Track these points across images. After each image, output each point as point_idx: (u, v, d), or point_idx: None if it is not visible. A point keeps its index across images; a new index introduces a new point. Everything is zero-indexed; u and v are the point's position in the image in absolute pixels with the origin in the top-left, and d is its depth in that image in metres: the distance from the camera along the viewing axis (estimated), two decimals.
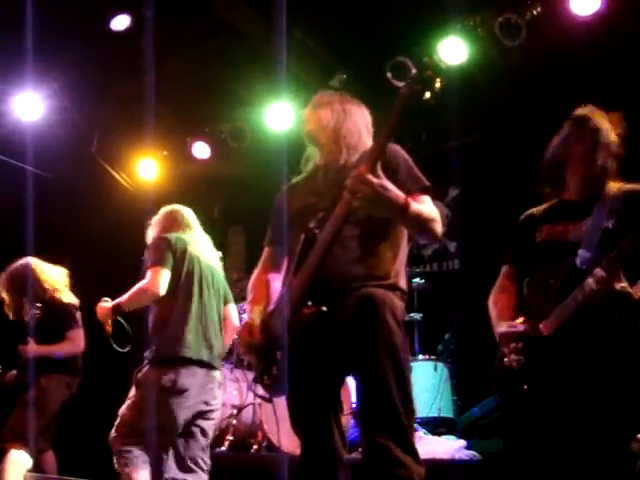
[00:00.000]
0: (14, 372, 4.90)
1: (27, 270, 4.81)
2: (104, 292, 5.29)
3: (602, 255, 2.51)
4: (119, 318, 3.99)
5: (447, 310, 5.39)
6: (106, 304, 3.85)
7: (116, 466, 3.46)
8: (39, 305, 4.68)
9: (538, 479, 2.65)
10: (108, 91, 6.64)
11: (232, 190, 7.66)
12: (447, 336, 5.41)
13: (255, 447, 4.85)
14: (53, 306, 4.78)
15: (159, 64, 5.86)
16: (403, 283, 2.59)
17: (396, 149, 2.62)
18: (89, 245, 7.12)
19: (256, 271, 2.88)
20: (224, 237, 8.30)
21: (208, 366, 3.66)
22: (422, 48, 5.37)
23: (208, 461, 3.74)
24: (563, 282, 2.61)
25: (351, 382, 4.24)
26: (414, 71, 2.33)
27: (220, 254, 4.34)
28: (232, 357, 5.67)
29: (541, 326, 2.63)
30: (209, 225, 8.37)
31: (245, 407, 5.13)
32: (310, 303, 2.38)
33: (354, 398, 4.39)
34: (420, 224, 2.46)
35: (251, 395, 5.11)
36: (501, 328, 2.77)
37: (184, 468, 3.61)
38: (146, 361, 3.68)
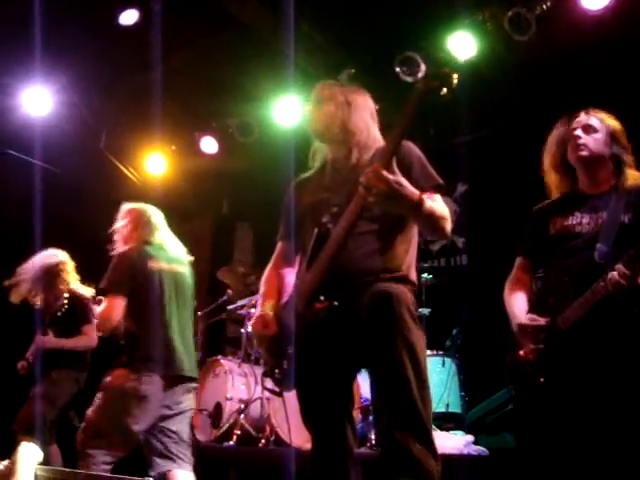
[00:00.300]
0: (24, 362, 4.94)
1: (59, 262, 4.90)
2: None
3: (620, 250, 2.50)
4: None
5: (455, 305, 5.39)
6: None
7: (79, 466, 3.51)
8: (67, 297, 4.73)
9: (550, 472, 2.64)
10: (116, 86, 6.64)
11: (240, 185, 7.66)
12: (455, 331, 5.40)
13: (263, 441, 4.86)
14: (75, 299, 4.85)
15: (167, 59, 5.86)
16: (414, 276, 2.60)
17: (410, 146, 2.60)
18: (97, 240, 7.12)
19: (269, 265, 2.88)
20: (232, 232, 8.32)
21: (172, 374, 3.71)
22: (431, 43, 5.36)
23: (188, 454, 3.78)
24: (579, 276, 2.60)
25: (359, 376, 4.24)
26: (431, 67, 2.32)
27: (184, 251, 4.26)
28: (240, 352, 5.69)
29: (559, 320, 2.62)
30: (217, 220, 8.48)
31: (253, 401, 5.14)
32: (322, 298, 2.38)
33: (363, 392, 4.39)
34: (432, 222, 2.46)
35: (259, 389, 5.13)
36: (521, 320, 2.77)
37: (164, 457, 3.67)
38: (114, 366, 3.76)
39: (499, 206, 6.06)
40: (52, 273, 4.84)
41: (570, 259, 2.70)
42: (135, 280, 3.75)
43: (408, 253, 2.59)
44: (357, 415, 4.70)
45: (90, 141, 7.08)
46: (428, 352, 5.18)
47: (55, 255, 4.98)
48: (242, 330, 5.71)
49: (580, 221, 2.77)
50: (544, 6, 5.00)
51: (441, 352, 5.22)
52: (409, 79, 5.49)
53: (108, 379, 3.68)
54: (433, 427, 4.56)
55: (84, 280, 5.37)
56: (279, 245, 2.88)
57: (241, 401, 5.20)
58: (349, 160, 2.68)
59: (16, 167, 6.47)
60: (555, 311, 2.64)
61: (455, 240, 6.57)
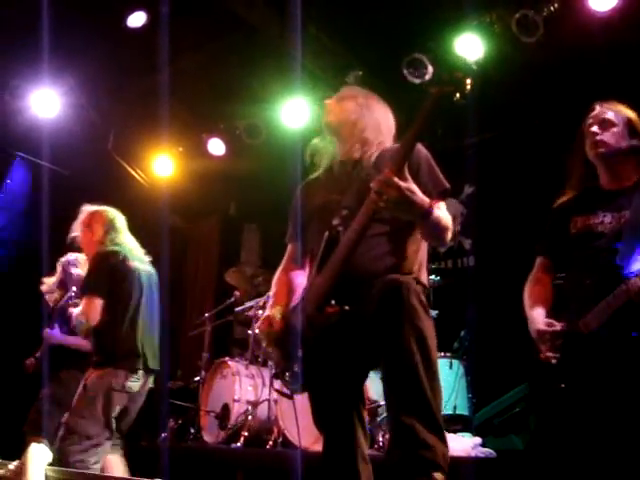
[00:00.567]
0: (32, 359, 4.96)
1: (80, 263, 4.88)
2: None
3: None
4: None
5: (462, 307, 5.38)
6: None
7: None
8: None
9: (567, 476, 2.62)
10: (124, 88, 6.66)
11: (247, 187, 7.67)
12: (462, 333, 5.39)
13: (270, 443, 4.86)
14: None
15: (175, 61, 5.88)
16: (424, 277, 2.59)
17: (419, 148, 2.60)
18: None
19: (279, 268, 2.88)
20: (239, 234, 8.33)
21: (149, 371, 3.91)
22: (438, 45, 5.36)
23: None
24: (601, 279, 2.55)
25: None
26: (444, 72, 2.32)
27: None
28: (247, 353, 5.69)
29: (580, 324, 2.57)
30: (224, 221, 8.49)
31: (260, 403, 5.14)
32: (334, 302, 2.38)
33: (370, 394, 4.39)
34: (436, 230, 2.47)
35: (266, 391, 5.13)
36: (539, 325, 2.72)
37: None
38: (94, 365, 3.85)
39: (506, 208, 6.05)
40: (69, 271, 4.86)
41: (592, 260, 2.64)
42: (115, 280, 3.85)
43: (418, 254, 2.59)
44: (365, 417, 4.70)
45: (98, 143, 7.11)
46: None
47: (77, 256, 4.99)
48: (249, 331, 5.72)
49: (602, 220, 2.70)
50: (552, 8, 5.00)
51: (449, 354, 5.21)
52: (416, 81, 5.49)
53: (93, 378, 3.76)
54: None
55: None
56: (289, 247, 2.89)
57: (248, 402, 5.20)
58: (357, 160, 2.68)
59: (24, 168, 6.52)
60: (576, 314, 2.60)
61: (462, 242, 6.57)
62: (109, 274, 3.87)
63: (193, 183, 7.67)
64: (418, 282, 2.53)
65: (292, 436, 4.65)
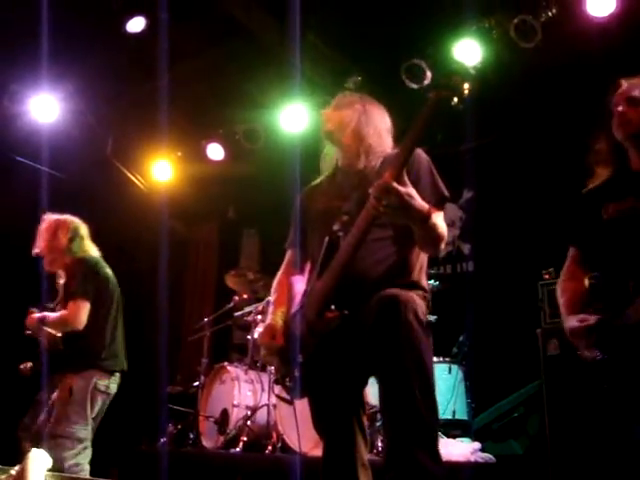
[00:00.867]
0: (29, 363, 4.95)
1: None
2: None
3: None
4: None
5: (461, 312, 5.38)
6: (34, 315, 4.07)
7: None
8: None
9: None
10: (123, 93, 6.67)
11: (246, 191, 7.67)
12: (461, 338, 5.40)
13: (269, 448, 4.86)
14: None
15: (174, 66, 5.89)
16: (425, 281, 2.60)
17: (419, 154, 2.61)
18: (104, 246, 7.15)
19: (279, 273, 2.88)
20: (239, 238, 8.33)
21: (124, 370, 4.13)
22: (437, 50, 5.37)
23: None
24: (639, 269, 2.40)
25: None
26: (442, 77, 2.33)
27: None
28: (246, 358, 5.69)
29: (625, 315, 2.41)
30: (224, 226, 8.50)
31: (260, 408, 5.14)
32: (333, 307, 2.38)
33: (369, 399, 4.39)
34: (432, 237, 2.47)
35: (265, 396, 5.13)
36: (571, 323, 2.56)
37: None
38: (75, 368, 3.92)
39: (505, 212, 6.06)
40: None
41: (629, 250, 2.49)
42: (98, 285, 4.03)
43: (419, 258, 2.60)
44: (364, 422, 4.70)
45: (97, 148, 7.11)
46: (434, 359, 5.18)
47: None
48: (248, 337, 5.72)
49: (636, 205, 2.53)
50: (550, 13, 5.01)
51: (447, 359, 5.22)
52: (415, 86, 5.50)
53: (78, 382, 3.85)
54: (439, 434, 4.58)
55: None
56: (289, 252, 2.89)
57: (248, 408, 5.21)
58: (358, 166, 2.69)
59: (23, 173, 6.52)
60: (617, 308, 2.45)
61: (461, 246, 6.57)
62: (93, 279, 4.01)
63: (192, 188, 7.67)
64: (418, 286, 2.54)
65: (291, 441, 4.65)
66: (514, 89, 5.71)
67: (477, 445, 4.43)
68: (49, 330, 3.98)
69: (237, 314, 6.12)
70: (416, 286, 2.53)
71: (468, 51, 5.22)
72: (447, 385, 5.00)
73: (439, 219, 2.48)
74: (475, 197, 6.52)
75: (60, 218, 4.27)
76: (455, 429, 4.97)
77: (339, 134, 2.74)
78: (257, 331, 5.38)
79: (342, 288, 2.41)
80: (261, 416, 5.13)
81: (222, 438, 5.19)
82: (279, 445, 4.83)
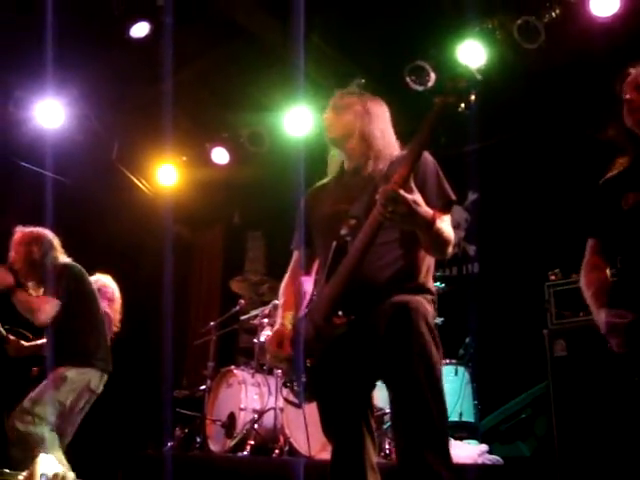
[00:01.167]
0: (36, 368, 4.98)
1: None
2: (122, 298, 5.35)
3: None
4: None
5: (467, 314, 5.37)
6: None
7: None
8: None
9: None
10: (128, 98, 6.68)
11: (251, 195, 7.68)
12: (468, 340, 5.39)
13: (277, 451, 4.86)
14: None
15: (178, 70, 5.90)
16: (432, 284, 2.59)
17: (426, 157, 2.58)
18: (110, 251, 7.17)
19: (286, 275, 2.88)
20: (244, 242, 8.33)
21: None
22: (440, 52, 5.37)
23: None
24: None
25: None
26: (448, 82, 2.31)
27: None
28: (253, 362, 5.69)
29: None
30: (229, 230, 8.51)
31: (266, 412, 5.14)
32: (341, 313, 2.38)
33: (377, 402, 4.38)
34: (438, 242, 2.46)
35: (272, 399, 5.13)
36: (609, 318, 2.48)
37: None
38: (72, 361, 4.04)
39: (510, 214, 6.05)
40: None
41: None
42: (81, 289, 4.18)
43: (425, 261, 2.59)
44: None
45: (102, 153, 7.13)
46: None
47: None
48: (255, 340, 5.72)
49: None
50: (553, 14, 5.01)
51: (454, 361, 5.21)
52: (419, 88, 5.50)
53: (74, 372, 3.97)
54: None
55: None
56: (295, 254, 2.89)
57: (255, 411, 5.20)
58: (366, 170, 2.68)
59: (29, 178, 6.53)
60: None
61: (467, 248, 6.56)
62: (80, 282, 4.20)
63: (197, 192, 7.68)
64: (426, 290, 2.53)
65: (298, 444, 4.65)
66: (518, 90, 5.70)
67: (484, 447, 4.43)
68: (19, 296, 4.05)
69: (243, 318, 6.12)
70: (423, 289, 2.53)
71: (471, 52, 5.22)
72: (454, 387, 4.99)
73: (445, 224, 2.47)
74: (480, 199, 6.52)
75: (34, 231, 4.34)
76: (462, 431, 4.96)
77: (344, 140, 2.72)
78: (264, 334, 5.38)
79: (350, 293, 2.40)
80: (268, 419, 5.13)
81: (229, 442, 5.19)
82: (286, 448, 4.82)
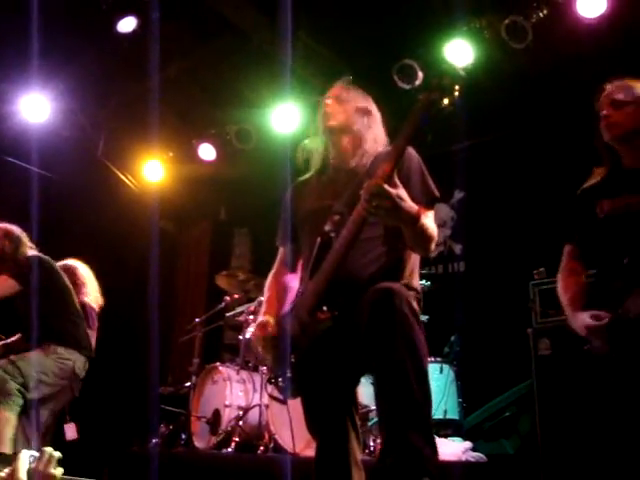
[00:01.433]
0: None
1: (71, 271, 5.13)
2: (108, 293, 5.33)
3: None
4: None
5: (453, 312, 5.39)
6: None
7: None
8: None
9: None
10: (114, 92, 6.66)
11: (238, 191, 7.67)
12: (453, 338, 5.41)
13: (261, 448, 4.86)
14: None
15: (165, 66, 5.88)
16: (417, 282, 2.60)
17: (410, 152, 2.60)
18: (95, 246, 7.14)
19: (271, 271, 2.88)
20: (230, 238, 8.32)
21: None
22: (428, 50, 5.38)
23: None
24: (638, 259, 2.49)
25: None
26: (432, 79, 2.32)
27: None
28: (238, 359, 5.69)
29: (625, 308, 2.48)
30: (215, 226, 8.50)
31: (251, 408, 5.14)
32: (325, 308, 2.38)
33: (361, 399, 4.39)
34: (421, 238, 2.47)
35: (257, 396, 5.13)
36: (587, 321, 2.58)
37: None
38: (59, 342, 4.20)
39: (496, 213, 6.08)
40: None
41: (626, 242, 2.58)
42: (56, 278, 4.41)
43: (411, 258, 2.59)
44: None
45: (88, 148, 7.10)
46: None
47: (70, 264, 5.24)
48: (240, 337, 5.71)
49: (629, 201, 2.64)
50: (540, 14, 5.03)
51: (439, 359, 5.22)
52: (407, 87, 5.51)
53: (62, 351, 4.15)
54: None
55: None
56: (280, 250, 2.89)
57: (239, 408, 5.20)
58: (350, 165, 2.69)
59: (14, 173, 6.49)
60: (619, 297, 2.53)
61: (452, 247, 6.59)
62: (52, 272, 4.42)
63: (183, 188, 7.66)
64: (410, 287, 2.54)
65: (283, 441, 4.65)
66: (505, 90, 5.73)
67: (468, 444, 4.44)
68: None
69: (228, 314, 6.11)
70: (408, 287, 2.53)
71: (459, 51, 5.23)
72: (438, 385, 5.00)
73: (429, 220, 2.48)
74: (466, 197, 6.54)
75: (2, 227, 4.50)
76: (446, 428, 4.98)
77: (340, 133, 2.71)
78: (249, 331, 5.37)
79: (334, 289, 2.41)
80: (253, 416, 5.12)
81: (214, 439, 5.18)
82: (271, 445, 4.82)
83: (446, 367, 5.15)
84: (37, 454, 1.93)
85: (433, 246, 2.51)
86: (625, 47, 5.16)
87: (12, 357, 4.03)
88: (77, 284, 5.09)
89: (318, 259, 2.48)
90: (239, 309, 5.91)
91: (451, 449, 4.32)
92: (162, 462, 4.80)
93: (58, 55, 5.55)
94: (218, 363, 5.69)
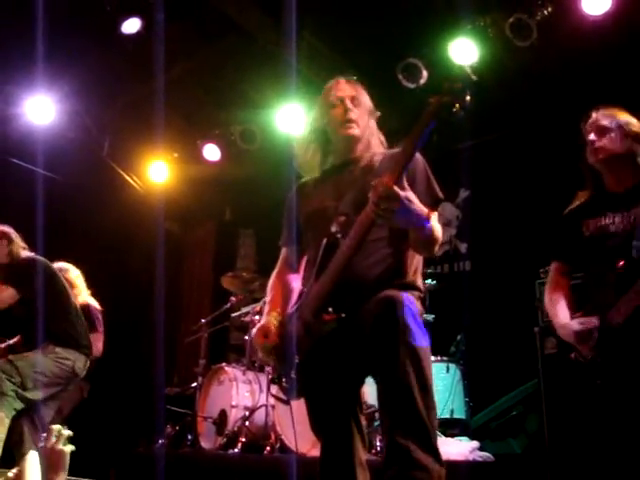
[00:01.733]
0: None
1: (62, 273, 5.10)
2: (114, 295, 5.35)
3: None
4: None
5: (459, 311, 5.38)
6: None
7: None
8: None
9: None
10: (119, 94, 6.67)
11: (242, 192, 7.67)
12: (459, 337, 5.40)
13: (268, 448, 4.85)
14: (85, 309, 5.06)
15: (170, 67, 5.88)
16: (420, 282, 2.59)
17: (416, 156, 2.55)
18: (101, 248, 7.16)
19: (274, 272, 2.87)
20: (235, 239, 8.32)
21: None
22: (433, 49, 5.37)
23: None
24: (622, 273, 2.69)
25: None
26: (444, 83, 2.30)
27: None
28: (244, 359, 5.69)
29: (609, 317, 2.69)
30: (220, 227, 8.50)
31: (258, 409, 5.14)
32: (331, 310, 2.37)
33: (368, 398, 4.39)
34: (428, 241, 2.45)
35: (263, 397, 5.12)
36: (575, 327, 2.81)
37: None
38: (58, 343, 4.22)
39: (502, 211, 6.06)
40: None
41: (610, 258, 2.77)
42: (54, 281, 4.41)
43: (414, 258, 2.58)
44: (362, 421, 4.70)
45: (93, 149, 7.11)
46: (432, 358, 5.16)
47: (64, 266, 5.25)
48: (246, 337, 5.71)
49: (613, 221, 2.86)
50: (545, 12, 5.01)
51: (445, 358, 5.21)
52: (411, 86, 5.50)
53: (61, 351, 4.17)
54: (438, 433, 4.58)
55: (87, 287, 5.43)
56: (283, 251, 2.87)
57: (246, 408, 5.20)
58: (355, 165, 2.67)
59: (19, 175, 6.51)
60: (603, 309, 2.73)
61: (458, 246, 6.57)
62: (53, 275, 4.42)
63: (188, 189, 7.67)
64: (415, 287, 2.53)
65: (289, 442, 4.64)
66: (510, 88, 5.72)
67: (475, 444, 4.43)
68: None
69: (234, 315, 6.11)
70: (412, 287, 2.52)
71: (464, 50, 5.22)
72: (445, 384, 4.99)
73: (435, 222, 2.46)
74: (472, 196, 6.53)
75: (9, 229, 4.54)
76: (453, 428, 4.97)
77: (357, 141, 2.69)
78: (254, 332, 5.37)
79: (339, 290, 2.40)
80: (259, 417, 5.12)
81: (220, 439, 5.18)
82: (277, 446, 4.82)
83: (452, 366, 5.14)
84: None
85: (437, 247, 2.49)
86: (630, 44, 5.14)
87: (10, 357, 4.04)
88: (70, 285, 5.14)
89: (324, 260, 2.46)
90: (245, 309, 5.91)
91: (458, 449, 4.31)
92: (168, 463, 4.80)
93: (63, 57, 5.56)
94: (224, 363, 5.69)
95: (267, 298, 2.82)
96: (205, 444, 5.36)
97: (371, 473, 2.54)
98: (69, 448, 2.47)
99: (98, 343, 5.10)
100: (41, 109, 6.42)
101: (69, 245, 6.15)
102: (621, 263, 2.72)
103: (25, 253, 4.45)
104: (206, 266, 8.51)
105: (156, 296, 6.52)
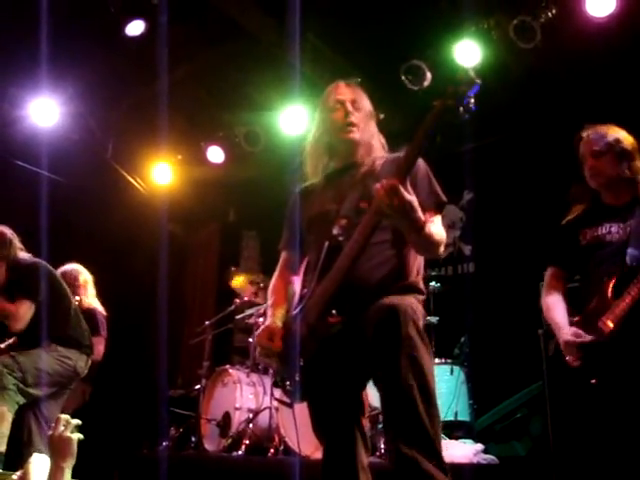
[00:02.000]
0: None
1: (70, 274, 5.20)
2: (118, 296, 5.35)
3: None
4: None
5: (462, 313, 5.38)
6: None
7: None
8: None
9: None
10: (123, 96, 6.67)
11: (246, 194, 7.67)
12: (463, 339, 5.39)
13: (272, 451, 4.85)
14: (88, 312, 5.09)
15: (174, 69, 5.88)
16: (421, 284, 2.58)
17: (418, 161, 2.58)
18: (105, 249, 7.16)
19: (275, 275, 2.86)
20: (239, 241, 8.33)
21: None
22: (437, 51, 5.37)
23: None
24: (617, 280, 2.82)
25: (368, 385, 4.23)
26: (449, 86, 2.30)
27: None
28: (248, 361, 5.69)
29: (601, 322, 2.80)
30: (224, 229, 8.50)
31: (262, 411, 5.14)
32: (334, 312, 2.37)
33: (371, 401, 4.39)
34: (427, 245, 2.45)
35: (267, 399, 5.12)
36: (567, 337, 2.93)
37: None
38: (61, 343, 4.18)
39: (505, 213, 6.06)
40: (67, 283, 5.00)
41: (606, 266, 2.90)
42: (56, 285, 4.34)
43: (416, 261, 2.58)
44: (366, 424, 4.69)
45: (97, 151, 7.11)
46: (436, 360, 5.18)
47: (73, 268, 5.28)
48: (250, 339, 5.71)
49: (609, 230, 2.99)
50: (549, 14, 5.01)
51: (449, 360, 5.21)
52: (415, 88, 5.49)
53: (63, 351, 4.14)
54: (442, 436, 4.58)
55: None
56: (283, 254, 2.86)
57: (250, 411, 5.20)
58: (356, 169, 2.67)
59: (24, 177, 6.51)
60: (598, 314, 2.84)
61: (462, 248, 6.57)
62: (54, 279, 4.34)
63: (192, 191, 7.67)
64: (416, 289, 2.52)
65: (293, 444, 4.65)
66: (513, 90, 5.70)
67: (480, 446, 4.42)
68: None
69: (238, 317, 6.11)
70: (413, 289, 2.52)
71: (467, 52, 5.22)
72: (449, 386, 4.99)
73: (436, 226, 2.46)
74: (475, 198, 6.52)
75: (6, 229, 4.45)
76: (457, 430, 4.96)
77: (358, 145, 2.68)
78: (258, 332, 5.37)
79: (343, 292, 2.39)
80: (263, 419, 5.12)
81: (224, 441, 5.18)
82: (281, 448, 4.82)
83: (456, 368, 5.14)
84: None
85: (441, 249, 2.49)
86: (634, 47, 5.13)
87: (12, 352, 4.02)
88: (77, 287, 5.15)
89: (326, 263, 2.46)
90: (249, 311, 5.91)
91: (462, 451, 4.30)
92: (172, 465, 4.80)
93: (67, 59, 5.56)
94: (228, 366, 5.70)
95: (269, 302, 2.81)
96: (209, 446, 5.36)
97: (373, 476, 2.54)
98: (77, 436, 2.49)
99: (99, 346, 5.10)
100: (45, 111, 6.43)
101: (73, 247, 6.16)
102: (603, 283, 2.87)
103: (24, 255, 4.37)
104: (210, 268, 8.51)
105: (160, 298, 6.51)
